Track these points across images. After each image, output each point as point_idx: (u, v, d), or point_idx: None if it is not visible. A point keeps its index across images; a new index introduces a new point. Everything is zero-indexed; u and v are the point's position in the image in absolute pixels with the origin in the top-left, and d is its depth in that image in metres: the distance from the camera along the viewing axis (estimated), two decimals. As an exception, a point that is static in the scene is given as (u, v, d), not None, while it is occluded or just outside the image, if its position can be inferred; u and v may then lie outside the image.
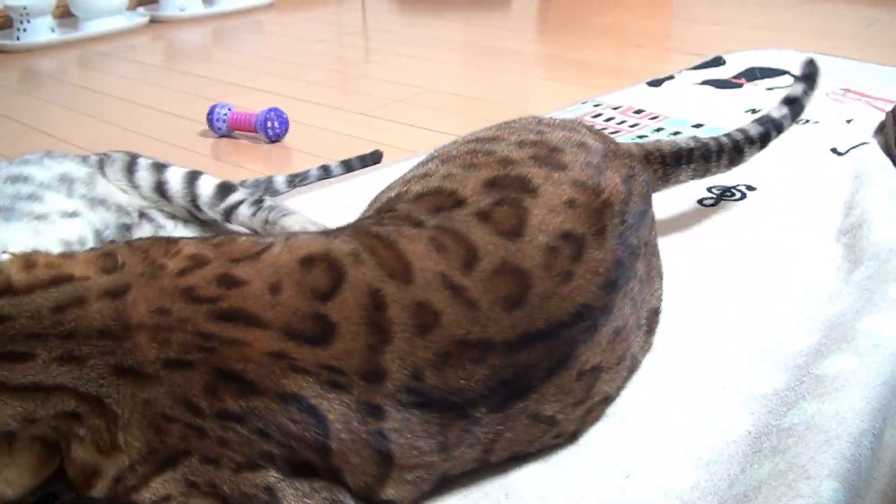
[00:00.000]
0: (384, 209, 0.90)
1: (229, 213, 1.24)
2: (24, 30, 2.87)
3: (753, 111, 1.82)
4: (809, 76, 1.36)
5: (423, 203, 0.85)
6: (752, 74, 2.12)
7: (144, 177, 1.23)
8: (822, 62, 2.18)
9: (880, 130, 1.61)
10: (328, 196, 1.48)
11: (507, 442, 0.78)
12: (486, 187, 0.84)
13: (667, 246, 1.14)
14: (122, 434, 0.68)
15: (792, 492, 0.72)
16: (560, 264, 0.79)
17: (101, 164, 1.22)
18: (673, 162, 1.14)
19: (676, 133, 1.71)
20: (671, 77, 2.13)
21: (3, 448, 0.69)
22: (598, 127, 1.72)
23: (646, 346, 0.94)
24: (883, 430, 0.80)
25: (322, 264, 0.75)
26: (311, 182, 1.55)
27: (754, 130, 1.25)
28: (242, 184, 1.41)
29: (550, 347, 0.77)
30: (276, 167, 1.71)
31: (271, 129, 1.83)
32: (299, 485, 0.70)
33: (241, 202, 1.24)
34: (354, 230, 0.82)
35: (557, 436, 0.83)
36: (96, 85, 2.45)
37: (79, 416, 0.68)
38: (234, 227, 1.26)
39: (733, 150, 1.21)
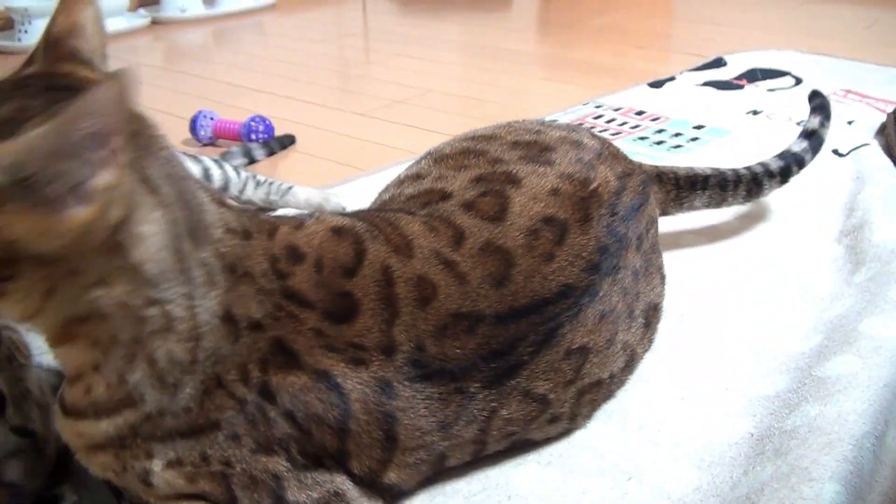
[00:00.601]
0: (380, 208, 0.94)
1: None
2: (26, 31, 2.87)
3: (755, 112, 1.82)
4: (821, 107, 1.35)
5: (414, 202, 0.89)
6: (754, 75, 2.12)
7: None
8: (822, 63, 2.21)
9: (881, 131, 1.61)
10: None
11: (502, 421, 0.80)
12: (473, 182, 0.88)
13: (669, 248, 1.15)
14: (186, 380, 0.67)
15: (794, 494, 0.72)
16: (542, 246, 0.82)
17: None
18: (687, 186, 1.14)
19: (677, 134, 1.71)
20: (672, 78, 2.13)
21: None
22: (598, 129, 1.74)
23: (644, 340, 0.94)
24: (885, 433, 0.80)
25: (348, 237, 0.77)
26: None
27: (775, 165, 1.24)
28: None
29: (536, 323, 0.80)
30: (276, 170, 1.71)
31: (255, 135, 1.80)
32: (303, 477, 0.71)
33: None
34: (361, 215, 0.85)
35: (553, 419, 0.84)
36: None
37: (170, 332, 0.65)
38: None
39: (752, 181, 1.20)
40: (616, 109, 1.89)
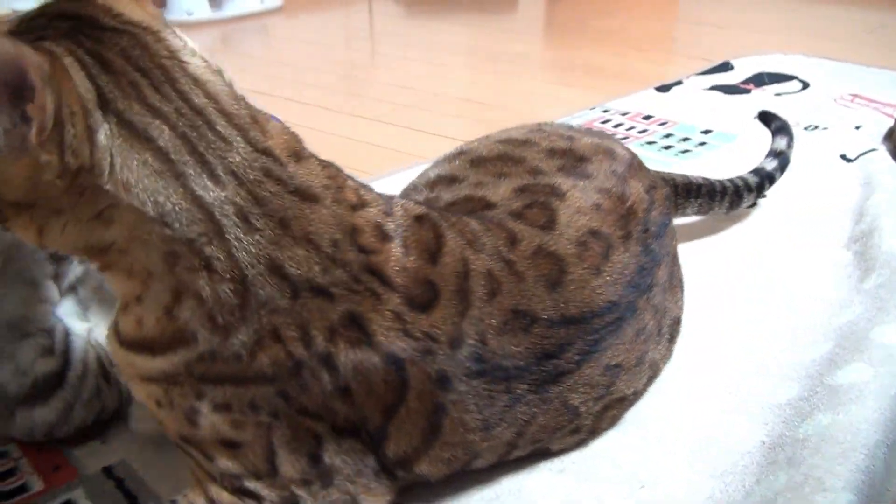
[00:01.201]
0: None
1: None
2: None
3: (762, 117, 1.82)
4: (782, 128, 1.46)
5: (456, 209, 0.88)
6: (760, 80, 2.12)
7: None
8: (828, 67, 2.21)
9: (888, 136, 1.61)
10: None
11: (537, 428, 0.80)
12: (516, 192, 0.88)
13: (680, 253, 1.15)
14: (237, 324, 0.67)
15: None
16: (591, 258, 0.82)
17: None
18: (683, 193, 1.19)
19: (685, 139, 1.71)
20: (679, 82, 2.13)
21: None
22: (607, 133, 1.73)
23: (667, 354, 0.95)
24: (897, 441, 0.80)
25: (428, 223, 0.78)
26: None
27: (752, 180, 1.30)
28: None
29: (583, 333, 0.80)
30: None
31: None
32: (342, 442, 0.72)
33: None
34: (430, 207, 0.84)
35: (575, 431, 0.84)
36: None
37: (211, 271, 0.65)
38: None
39: (734, 194, 1.26)
40: (623, 114, 1.89)
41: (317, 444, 0.71)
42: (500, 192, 0.88)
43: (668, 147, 1.67)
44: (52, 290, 0.88)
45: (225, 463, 0.70)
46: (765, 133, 1.71)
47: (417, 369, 0.72)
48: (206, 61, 0.69)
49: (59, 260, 0.89)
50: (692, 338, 1.02)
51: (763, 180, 1.31)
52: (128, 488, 0.83)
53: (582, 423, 0.84)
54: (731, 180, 1.26)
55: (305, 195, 0.70)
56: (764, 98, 1.97)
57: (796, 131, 1.67)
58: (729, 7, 3.22)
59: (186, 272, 0.65)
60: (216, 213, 0.65)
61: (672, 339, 0.95)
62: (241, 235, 0.66)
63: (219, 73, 0.70)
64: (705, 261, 1.22)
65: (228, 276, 0.66)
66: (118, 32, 0.64)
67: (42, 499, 0.82)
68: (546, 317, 0.78)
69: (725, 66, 2.25)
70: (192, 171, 0.64)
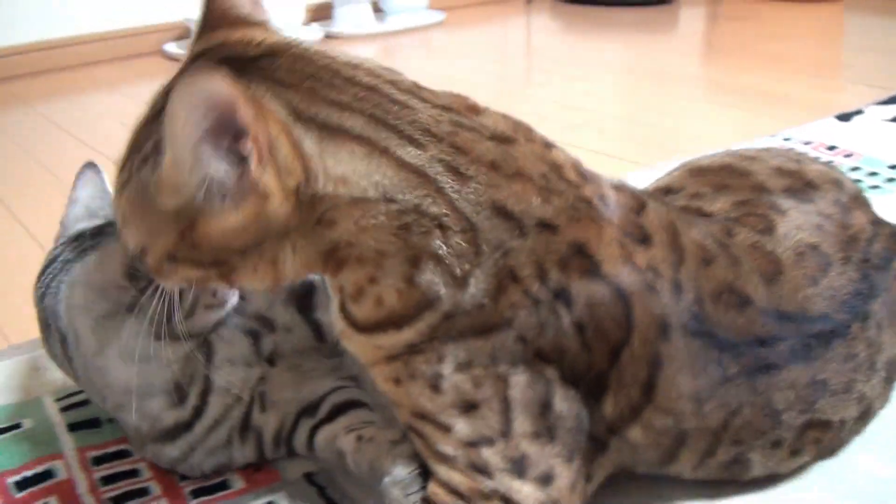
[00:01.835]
0: None
1: None
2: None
3: (951, 153, 1.72)
4: None
5: None
6: (948, 112, 2.00)
7: None
8: None
9: None
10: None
11: (741, 423, 0.77)
12: (735, 205, 0.87)
13: None
14: (476, 273, 0.68)
15: None
16: (808, 268, 0.81)
17: None
18: None
19: (873, 174, 1.64)
20: (860, 111, 2.03)
21: None
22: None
23: (883, 394, 0.90)
24: None
25: (625, 189, 0.79)
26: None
27: None
28: None
29: (796, 332, 0.78)
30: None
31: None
32: (568, 388, 0.72)
33: None
34: None
35: (777, 443, 0.81)
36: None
37: (443, 227, 0.67)
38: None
39: None
40: (806, 143, 1.82)
41: (549, 389, 0.71)
42: (718, 205, 0.87)
43: (855, 181, 1.60)
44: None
45: (462, 429, 0.70)
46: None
47: (642, 308, 0.72)
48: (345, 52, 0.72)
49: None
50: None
51: None
52: (329, 496, 0.85)
53: (783, 436, 0.80)
54: None
55: (501, 138, 0.71)
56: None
57: None
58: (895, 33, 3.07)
59: (420, 237, 0.66)
60: (430, 173, 0.67)
61: (890, 379, 0.90)
62: (458, 187, 0.67)
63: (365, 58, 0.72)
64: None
65: (458, 227, 0.67)
66: (270, 56, 0.67)
67: (244, 498, 0.85)
68: (760, 304, 0.77)
69: (908, 96, 2.14)
70: (394, 143, 0.67)
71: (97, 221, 0.91)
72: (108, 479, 0.88)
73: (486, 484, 0.71)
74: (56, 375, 1.05)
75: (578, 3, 3.87)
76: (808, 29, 3.26)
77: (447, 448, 0.72)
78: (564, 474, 0.72)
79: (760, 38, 3.06)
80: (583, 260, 0.70)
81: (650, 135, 2.02)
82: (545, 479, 0.72)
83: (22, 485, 0.87)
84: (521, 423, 0.71)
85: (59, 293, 0.85)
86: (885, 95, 2.17)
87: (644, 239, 0.74)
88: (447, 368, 0.69)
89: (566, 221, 0.70)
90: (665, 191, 0.94)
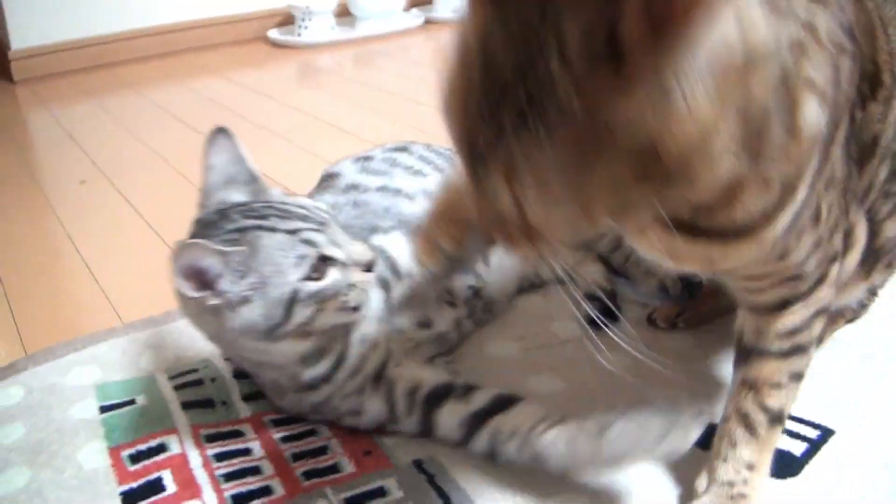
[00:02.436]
0: None
1: None
2: (306, 27, 3.03)
3: None
4: None
5: None
6: None
7: None
8: None
9: None
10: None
11: None
12: None
13: None
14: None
15: None
16: None
17: None
18: None
19: None
20: None
21: None
22: None
23: None
24: None
25: None
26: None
27: None
28: None
29: None
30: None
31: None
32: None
33: None
34: None
35: None
36: (370, 80, 2.56)
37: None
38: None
39: None
40: None
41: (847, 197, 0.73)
42: None
43: None
44: None
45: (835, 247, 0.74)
46: None
47: None
48: None
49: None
50: None
51: None
52: (439, 485, 0.83)
53: None
54: None
55: None
56: None
57: None
58: None
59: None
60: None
61: None
62: None
63: None
64: None
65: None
66: None
67: (355, 481, 0.84)
68: None
69: None
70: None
71: (238, 189, 0.90)
72: (221, 457, 0.88)
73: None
74: (168, 354, 1.06)
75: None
76: None
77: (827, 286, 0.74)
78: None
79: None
80: None
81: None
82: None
83: (136, 458, 0.88)
84: (837, 240, 0.74)
85: None
86: None
87: None
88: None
89: None
90: None
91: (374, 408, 0.90)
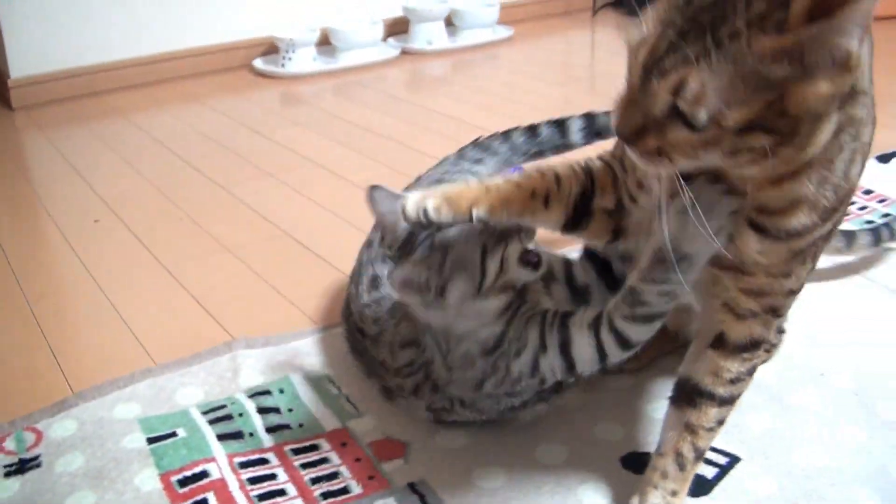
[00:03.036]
0: None
1: None
2: (290, 59, 3.23)
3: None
4: None
5: None
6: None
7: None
8: None
9: None
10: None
11: None
12: None
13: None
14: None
15: None
16: None
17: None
18: None
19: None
20: (899, 152, 2.17)
21: None
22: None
23: None
24: None
25: None
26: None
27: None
28: None
29: None
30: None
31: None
32: None
33: None
34: None
35: None
36: (346, 113, 2.77)
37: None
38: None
39: None
40: (847, 187, 1.96)
41: None
42: None
43: (885, 226, 1.73)
44: None
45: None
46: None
47: None
48: None
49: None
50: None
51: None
52: (429, 503, 1.05)
53: None
54: None
55: None
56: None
57: None
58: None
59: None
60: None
61: None
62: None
63: None
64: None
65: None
66: None
67: (363, 500, 1.06)
68: None
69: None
70: None
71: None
72: (253, 480, 1.09)
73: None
74: (198, 391, 1.26)
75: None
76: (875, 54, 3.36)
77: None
78: None
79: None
80: None
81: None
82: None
83: (183, 482, 1.09)
84: None
85: None
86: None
87: None
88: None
89: None
90: None
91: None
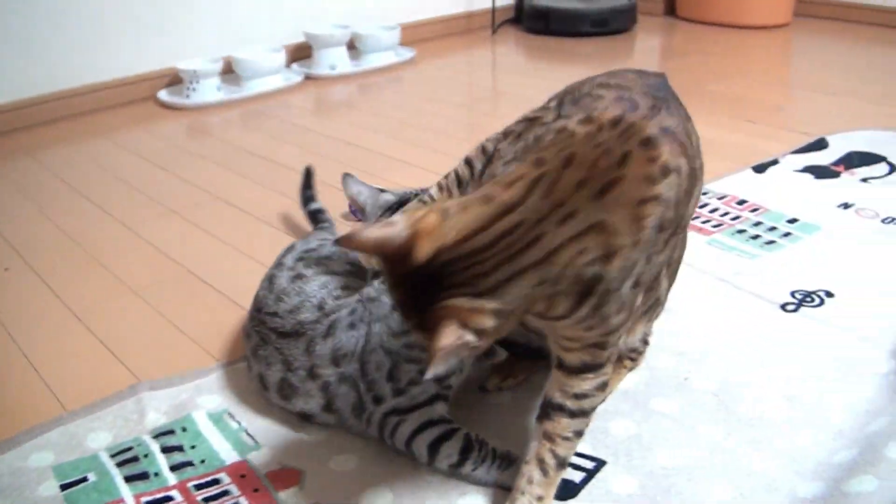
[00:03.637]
0: None
1: None
2: (194, 90, 3.28)
3: (846, 206, 2.02)
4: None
5: None
6: (850, 160, 2.31)
7: None
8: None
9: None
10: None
11: None
12: None
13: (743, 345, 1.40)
14: None
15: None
16: None
17: None
18: None
19: (772, 229, 1.94)
20: (775, 161, 2.34)
21: None
22: (702, 220, 1.97)
23: None
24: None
25: None
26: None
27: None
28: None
29: None
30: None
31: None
32: None
33: None
34: None
35: None
36: (248, 143, 2.84)
37: None
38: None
39: None
40: (721, 198, 2.11)
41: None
42: None
43: (755, 237, 1.90)
44: None
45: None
46: (847, 224, 1.92)
47: None
48: None
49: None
50: (724, 423, 1.27)
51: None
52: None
53: None
54: None
55: None
56: (850, 184, 2.16)
57: (873, 224, 1.88)
58: (847, 71, 3.37)
59: None
60: None
61: None
62: None
63: None
64: (761, 354, 1.47)
65: None
66: None
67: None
68: None
69: (820, 144, 2.45)
70: None
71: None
72: (159, 518, 1.17)
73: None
74: (107, 435, 1.33)
75: (539, 34, 4.17)
76: (754, 62, 3.56)
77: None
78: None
79: (713, 77, 3.36)
80: None
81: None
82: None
83: (96, 524, 1.16)
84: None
85: None
86: (804, 142, 2.47)
87: None
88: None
89: None
90: None
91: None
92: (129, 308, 1.77)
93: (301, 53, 3.69)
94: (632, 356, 1.40)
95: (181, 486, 1.22)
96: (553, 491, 1.13)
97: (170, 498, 1.20)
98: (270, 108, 3.25)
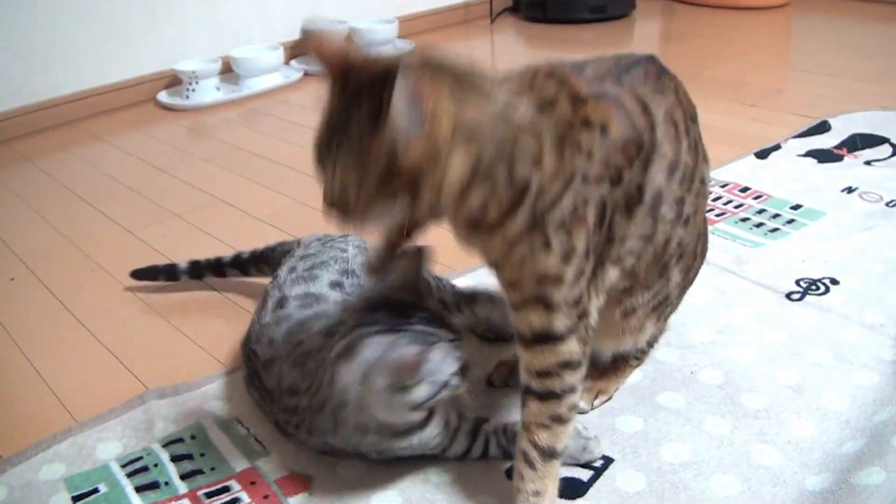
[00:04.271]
0: None
1: None
2: (193, 90, 3.28)
3: (849, 190, 2.02)
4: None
5: None
6: (854, 143, 2.30)
7: None
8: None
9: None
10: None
11: None
12: None
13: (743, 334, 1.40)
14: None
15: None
16: None
17: None
18: None
19: (776, 216, 1.93)
20: (777, 147, 2.33)
21: None
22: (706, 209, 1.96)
23: None
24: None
25: None
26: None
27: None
28: None
29: None
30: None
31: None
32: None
33: None
34: None
35: None
36: (249, 144, 2.84)
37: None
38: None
39: None
40: (723, 186, 2.10)
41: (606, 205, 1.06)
42: None
43: (759, 225, 1.89)
44: None
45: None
46: (851, 209, 1.92)
47: None
48: None
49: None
50: (730, 415, 1.28)
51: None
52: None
53: None
54: None
55: None
56: (854, 167, 2.16)
57: (877, 208, 1.87)
58: (844, 50, 3.35)
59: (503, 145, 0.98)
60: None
61: None
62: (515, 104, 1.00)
63: None
64: (762, 342, 1.47)
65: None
66: None
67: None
68: None
69: (823, 127, 2.43)
70: None
71: None
72: (170, 528, 1.18)
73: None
74: (117, 444, 1.34)
75: (538, 22, 4.16)
76: (754, 44, 3.54)
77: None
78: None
79: (711, 62, 3.34)
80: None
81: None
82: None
83: (107, 536, 1.17)
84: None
85: None
86: (806, 125, 2.46)
87: None
88: (552, 231, 0.99)
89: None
90: None
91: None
92: (135, 315, 1.78)
93: (300, 49, 3.68)
94: (637, 356, 1.40)
95: (192, 495, 1.23)
96: (551, 483, 1.11)
97: (180, 507, 1.21)
98: (270, 106, 3.24)
